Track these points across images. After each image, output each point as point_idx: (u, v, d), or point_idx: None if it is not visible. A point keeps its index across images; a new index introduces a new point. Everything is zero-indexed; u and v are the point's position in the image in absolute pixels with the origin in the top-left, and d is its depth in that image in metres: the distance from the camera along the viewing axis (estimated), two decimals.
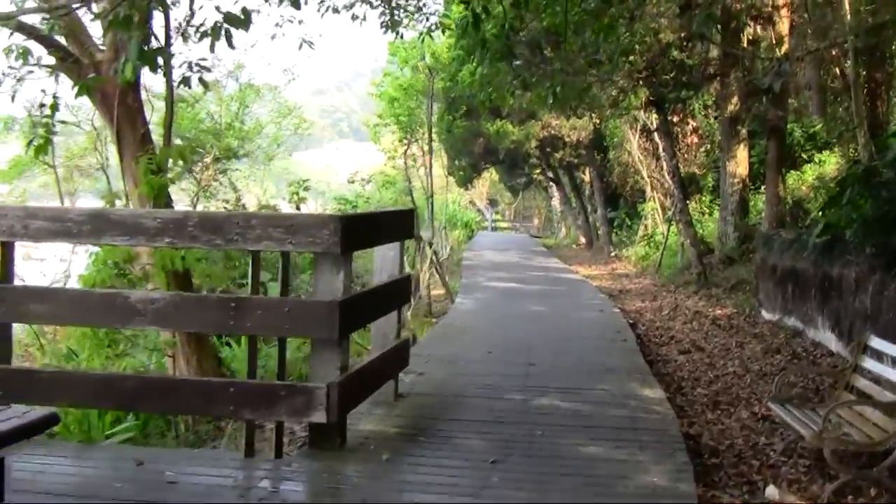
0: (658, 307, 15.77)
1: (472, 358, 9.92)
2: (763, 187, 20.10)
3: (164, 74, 8.51)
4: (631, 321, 14.03)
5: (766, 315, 12.82)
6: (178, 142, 18.65)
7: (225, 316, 5.60)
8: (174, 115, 10.25)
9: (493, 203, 67.28)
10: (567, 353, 10.39)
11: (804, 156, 21.39)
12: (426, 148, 30.00)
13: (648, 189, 25.78)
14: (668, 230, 22.19)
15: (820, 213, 12.64)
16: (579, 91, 14.40)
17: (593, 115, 22.74)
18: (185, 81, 8.67)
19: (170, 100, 9.39)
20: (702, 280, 16.72)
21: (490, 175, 55.54)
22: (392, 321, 7.32)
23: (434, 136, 34.10)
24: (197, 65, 9.41)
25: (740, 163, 18.73)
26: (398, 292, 7.28)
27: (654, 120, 23.33)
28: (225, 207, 20.62)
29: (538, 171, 39.51)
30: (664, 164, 23.66)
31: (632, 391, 8.21)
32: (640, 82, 16.58)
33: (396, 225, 7.22)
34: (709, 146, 25.95)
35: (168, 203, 9.52)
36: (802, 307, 11.24)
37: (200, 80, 8.88)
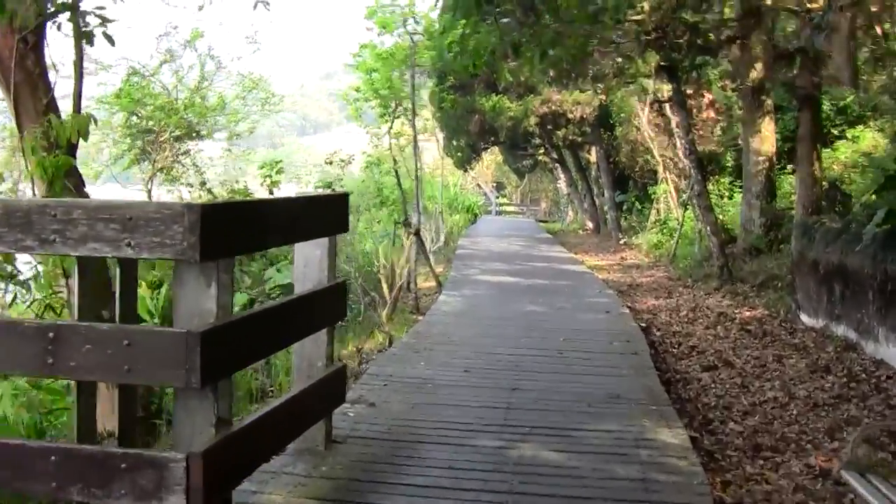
0: (674, 306, 13.85)
1: (443, 380, 8.01)
2: (790, 167, 18.27)
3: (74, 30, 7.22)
4: (643, 324, 12.13)
5: (806, 320, 10.88)
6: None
7: (40, 352, 3.68)
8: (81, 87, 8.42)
9: (499, 186, 65.77)
10: (563, 374, 8.45)
11: (834, 131, 19.53)
12: (417, 124, 28.08)
13: (660, 169, 23.75)
14: (684, 215, 20.21)
15: (873, 196, 10.75)
16: (576, 52, 12.40)
17: (597, 87, 20.74)
18: (87, 36, 7.43)
19: (78, 61, 7.56)
20: (725, 274, 14.76)
21: (495, 157, 53.90)
22: (320, 344, 5.42)
23: (428, 114, 32.30)
24: (95, 14, 7.95)
25: (766, 139, 16.78)
26: (328, 306, 5.38)
27: (665, 91, 21.38)
28: (189, 193, 18.82)
29: (541, 151, 37.53)
30: (678, 141, 21.69)
31: (645, 433, 6.32)
32: (649, 46, 14.61)
33: (318, 216, 5.25)
34: (727, 122, 24.04)
35: (78, 188, 7.61)
36: (856, 313, 9.28)
37: (105, 34, 7.55)
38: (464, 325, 11.40)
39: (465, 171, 40.01)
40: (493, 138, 32.38)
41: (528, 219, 49.92)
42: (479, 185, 60.45)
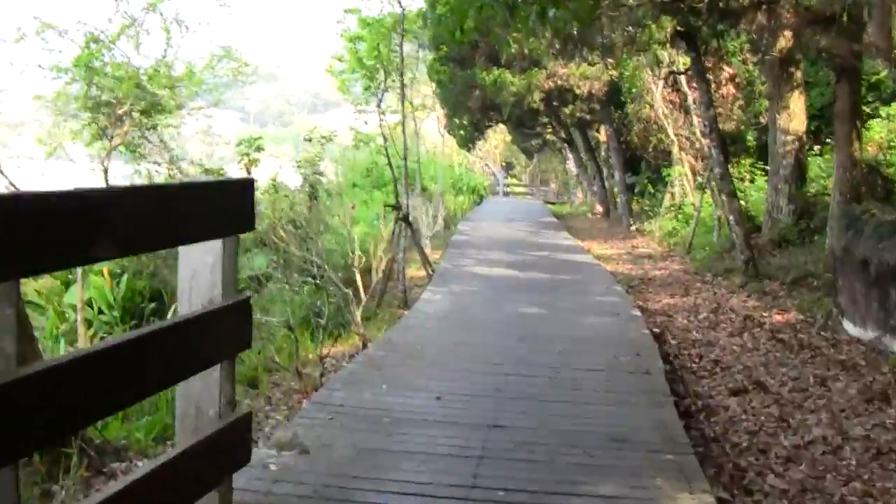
0: (692, 306, 12.23)
1: (405, 412, 6.44)
2: (816, 147, 16.67)
3: None
4: (656, 329, 10.55)
5: (851, 329, 9.25)
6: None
7: None
8: None
9: (508, 167, 64.96)
10: (556, 403, 6.85)
11: (866, 109, 17.87)
12: (411, 100, 26.44)
13: (675, 149, 22.05)
14: (701, 200, 18.54)
15: None
16: (581, 14, 10.70)
17: (607, 58, 19.07)
18: None
19: None
20: (750, 269, 13.11)
21: (503, 137, 52.48)
22: (213, 385, 3.80)
23: (428, 89, 30.61)
24: None
25: (795, 115, 15.14)
26: (224, 332, 3.77)
27: (681, 62, 19.71)
28: (157, 172, 17.30)
29: (549, 130, 35.84)
30: (695, 117, 20.07)
31: (659, 501, 4.74)
32: (664, 10, 12.96)
33: (205, 211, 3.61)
34: (748, 97, 22.37)
35: None
36: None
37: None
38: (444, 333, 9.80)
39: (469, 150, 38.41)
40: (496, 116, 30.76)
41: (537, 200, 48.41)
42: (487, 165, 59.34)
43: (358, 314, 10.79)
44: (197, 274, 3.75)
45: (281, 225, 11.73)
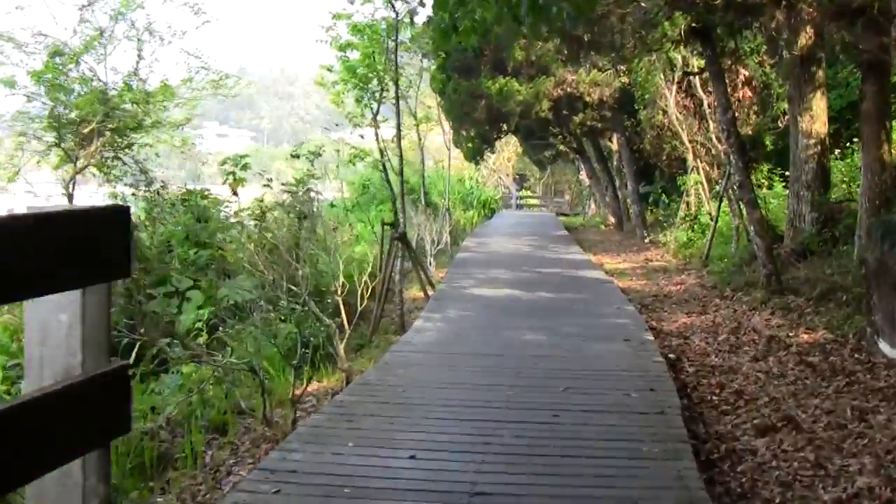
0: (711, 326, 11.30)
1: (371, 479, 5.51)
2: (838, 151, 15.76)
3: None
4: (672, 355, 9.65)
5: (888, 350, 8.31)
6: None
7: None
8: None
9: (522, 179, 63.74)
10: (554, 460, 5.89)
11: None
12: (415, 112, 25.59)
13: (690, 157, 21.08)
14: (718, 209, 17.57)
15: None
16: (583, 3, 9.76)
17: (615, 59, 18.13)
18: None
19: None
20: (773, 283, 12.14)
21: (515, 149, 51.68)
22: (73, 486, 2.87)
23: (432, 101, 29.75)
24: None
25: (817, 117, 14.17)
26: (88, 412, 2.86)
27: (695, 64, 18.82)
28: (133, 194, 16.45)
29: (560, 140, 34.85)
30: (711, 122, 19.14)
31: None
32: (677, 5, 12.09)
33: (44, 252, 2.71)
34: (763, 102, 21.44)
35: None
36: None
37: None
38: (431, 369, 8.84)
39: (477, 163, 37.41)
40: (504, 127, 29.87)
41: (549, 213, 47.53)
42: (500, 178, 58.33)
43: (341, 347, 9.94)
44: (47, 337, 2.85)
45: (257, 250, 10.85)
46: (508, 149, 54.47)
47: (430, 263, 21.02)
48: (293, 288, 10.21)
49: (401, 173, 15.31)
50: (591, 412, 6.99)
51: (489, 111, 25.87)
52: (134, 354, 12.96)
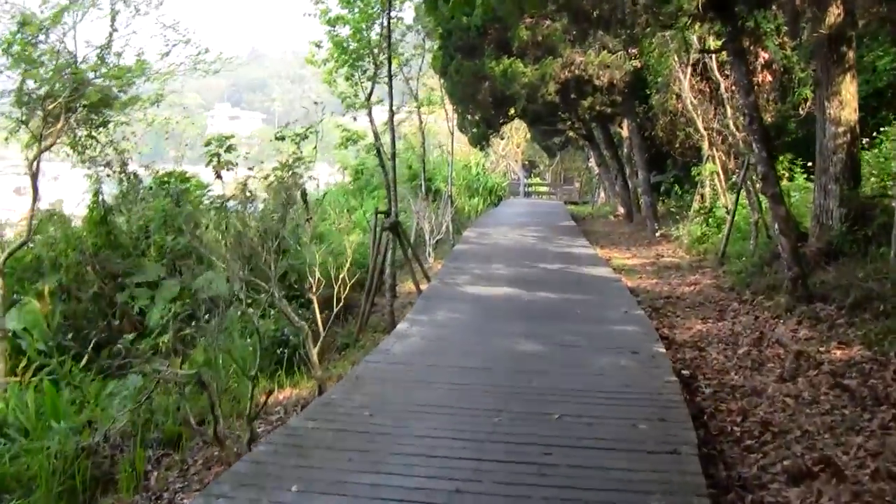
0: (730, 335, 10.18)
1: None
2: (866, 141, 14.62)
3: None
4: (686, 371, 8.55)
5: None
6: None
7: None
8: None
9: (531, 165, 63.24)
10: None
11: None
12: (416, 94, 24.47)
13: (705, 145, 19.84)
14: (736, 202, 16.37)
15: None
16: None
17: (627, 43, 16.97)
18: None
19: None
20: (799, 288, 10.97)
21: (525, 135, 50.58)
22: None
23: (435, 83, 28.57)
24: None
25: (846, 103, 12.95)
26: None
27: (712, 42, 17.62)
28: (108, 175, 15.42)
29: (568, 125, 33.55)
30: (728, 107, 17.96)
31: None
32: None
33: None
34: (784, 87, 20.28)
35: None
36: None
37: None
38: (408, 387, 7.72)
39: (482, 148, 36.13)
40: (510, 111, 28.63)
41: (558, 201, 46.50)
42: (509, 164, 57.77)
43: (314, 352, 8.83)
44: None
45: (225, 238, 9.74)
46: (518, 135, 54.09)
47: (429, 254, 19.98)
48: (260, 283, 9.10)
49: (393, 157, 14.19)
50: (590, 449, 5.89)
51: (493, 94, 24.64)
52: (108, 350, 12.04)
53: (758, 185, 15.22)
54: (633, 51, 22.68)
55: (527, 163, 61.55)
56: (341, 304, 9.84)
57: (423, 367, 8.44)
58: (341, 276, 9.96)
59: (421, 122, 25.12)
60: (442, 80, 26.79)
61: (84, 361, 11.34)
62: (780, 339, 9.52)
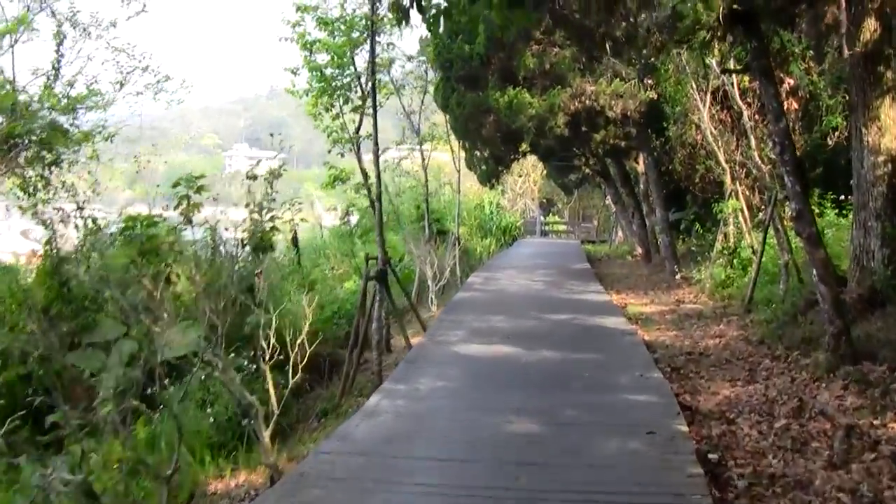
0: (764, 403, 8.73)
1: None
2: None
3: None
4: (713, 453, 7.08)
5: None
6: None
7: None
8: None
9: (549, 203, 62.12)
10: None
11: None
12: (417, 129, 23.27)
13: (727, 180, 18.40)
14: (763, 241, 14.92)
15: None
16: None
17: (639, 61, 15.63)
18: None
19: None
20: (843, 346, 9.48)
21: (542, 172, 49.61)
22: None
23: (439, 118, 27.31)
24: None
25: (887, 129, 11.55)
26: None
27: (733, 61, 16.29)
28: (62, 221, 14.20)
29: (582, 160, 32.12)
30: (752, 137, 16.59)
31: None
32: None
33: None
34: (811, 116, 18.96)
35: None
36: None
37: None
38: (362, 491, 6.20)
39: (492, 186, 34.82)
40: (519, 146, 27.31)
41: (575, 240, 45.57)
42: (526, 202, 56.94)
43: (266, 434, 7.47)
44: None
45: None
46: (535, 172, 53.25)
47: (432, 301, 18.68)
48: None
49: (378, 198, 12.90)
50: None
51: (499, 128, 23.31)
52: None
53: (786, 223, 13.87)
54: (649, 81, 21.43)
55: (544, 201, 60.49)
56: (299, 369, 8.41)
57: (386, 461, 6.93)
58: (300, 337, 8.57)
59: (423, 160, 23.85)
60: (448, 118, 25.50)
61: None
62: (825, 409, 8.05)
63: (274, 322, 8.58)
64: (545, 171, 48.77)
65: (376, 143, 13.02)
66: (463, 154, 30.10)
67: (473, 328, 13.54)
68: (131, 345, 12.70)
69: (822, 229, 14.47)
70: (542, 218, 56.35)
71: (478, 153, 29.50)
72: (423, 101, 24.16)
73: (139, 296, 13.14)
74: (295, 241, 20.21)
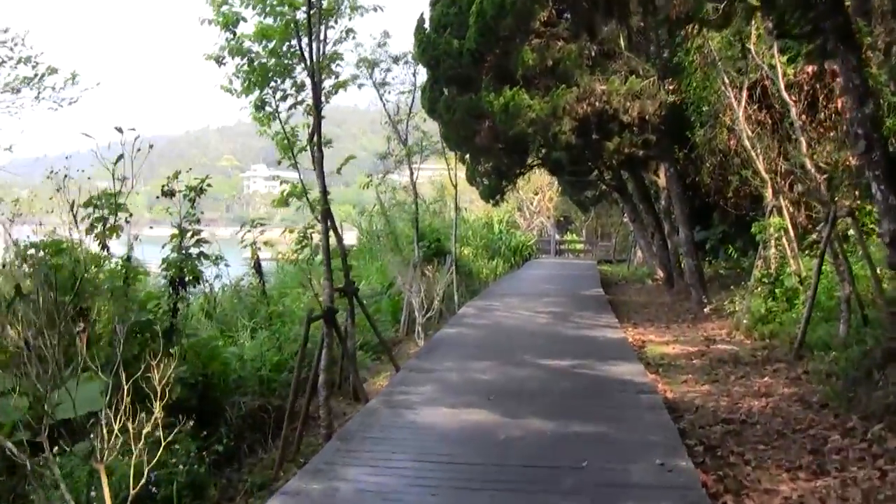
0: None
1: None
2: None
3: None
4: None
5: None
6: None
7: None
8: None
9: (567, 222, 60.69)
10: None
11: None
12: (405, 139, 20.83)
13: (768, 193, 15.62)
14: (819, 269, 12.12)
15: None
16: None
17: (658, 59, 12.91)
18: None
19: None
20: None
21: (559, 188, 47.67)
22: None
23: (430, 126, 24.66)
24: None
25: None
26: None
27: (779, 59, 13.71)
28: None
29: (595, 174, 29.39)
30: (803, 140, 13.90)
31: None
32: None
33: None
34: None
35: None
36: None
37: None
38: None
39: (496, 203, 32.20)
40: (526, 158, 24.76)
41: (591, 260, 44.48)
42: (542, 221, 56.04)
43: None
44: None
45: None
46: (552, 189, 52.26)
47: (419, 335, 16.20)
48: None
49: (324, 219, 10.29)
50: None
51: (496, 135, 20.66)
52: None
53: (846, 246, 11.27)
54: (670, 87, 18.88)
55: (562, 219, 59.20)
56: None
57: None
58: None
59: (412, 174, 21.24)
60: (440, 126, 22.83)
61: None
62: None
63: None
64: (560, 188, 46.77)
65: (320, 149, 10.44)
66: (465, 167, 27.71)
67: (447, 382, 10.78)
68: (20, 401, 10.19)
69: (877, 255, 11.85)
70: (556, 237, 55.13)
71: (480, 167, 27.02)
72: (410, 108, 21.60)
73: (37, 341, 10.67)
74: (258, 267, 17.64)
